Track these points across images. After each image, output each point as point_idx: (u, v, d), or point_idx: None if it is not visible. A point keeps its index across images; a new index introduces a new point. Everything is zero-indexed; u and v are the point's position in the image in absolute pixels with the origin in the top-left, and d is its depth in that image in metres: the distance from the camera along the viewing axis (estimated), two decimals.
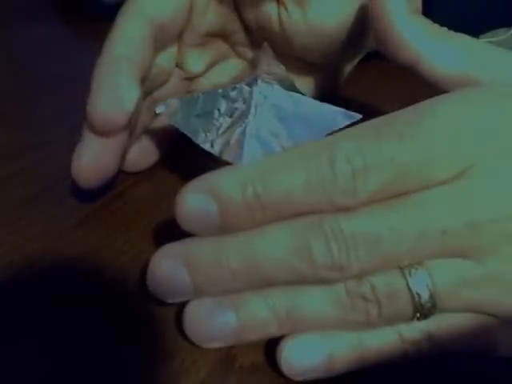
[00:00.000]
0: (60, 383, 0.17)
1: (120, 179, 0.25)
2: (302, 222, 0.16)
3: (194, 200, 0.16)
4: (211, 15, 0.26)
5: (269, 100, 0.22)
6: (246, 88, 0.22)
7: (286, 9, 0.25)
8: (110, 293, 0.20)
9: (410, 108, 0.17)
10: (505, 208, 0.16)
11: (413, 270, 0.16)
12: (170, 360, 0.17)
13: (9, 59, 0.41)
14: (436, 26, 0.21)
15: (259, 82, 0.22)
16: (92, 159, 0.21)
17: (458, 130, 0.16)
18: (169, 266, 0.17)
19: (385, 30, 0.21)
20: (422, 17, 0.21)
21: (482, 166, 0.16)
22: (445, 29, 0.21)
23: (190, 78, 0.27)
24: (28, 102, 0.33)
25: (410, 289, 0.16)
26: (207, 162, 0.21)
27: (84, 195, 0.24)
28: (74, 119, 0.23)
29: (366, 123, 0.17)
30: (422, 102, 0.17)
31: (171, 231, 0.17)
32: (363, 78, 0.32)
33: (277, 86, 0.22)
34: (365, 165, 0.15)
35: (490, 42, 0.34)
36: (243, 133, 0.21)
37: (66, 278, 0.20)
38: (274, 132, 0.21)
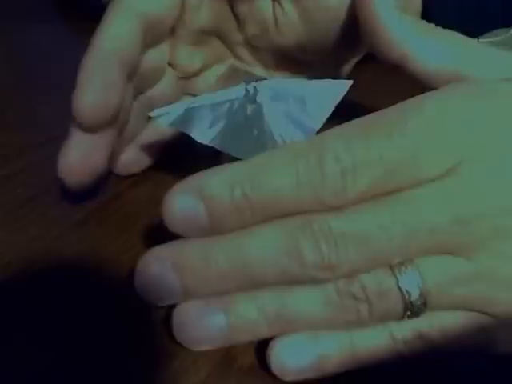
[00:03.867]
0: (59, 383, 0.17)
1: (119, 180, 0.25)
2: (291, 222, 0.16)
3: (182, 201, 0.16)
4: (205, 11, 0.25)
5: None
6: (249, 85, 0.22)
7: (280, 6, 0.25)
8: (109, 293, 0.20)
9: (398, 105, 0.17)
10: (493, 204, 0.16)
11: (403, 268, 0.16)
12: (170, 360, 0.17)
13: (9, 59, 0.41)
14: (423, 22, 0.21)
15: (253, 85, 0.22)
16: (79, 157, 0.21)
17: (445, 127, 0.16)
18: (157, 269, 0.17)
19: (372, 28, 0.21)
20: (414, 15, 0.21)
21: (470, 162, 0.16)
22: (432, 25, 0.21)
23: (186, 78, 0.27)
24: (28, 102, 0.33)
25: (399, 288, 0.16)
26: (205, 163, 0.21)
27: (75, 197, 0.24)
28: None
29: (354, 121, 0.17)
30: (409, 100, 0.17)
31: (170, 232, 0.17)
32: (362, 78, 0.32)
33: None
34: (353, 164, 0.15)
35: (490, 42, 0.34)
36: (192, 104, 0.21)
37: (66, 278, 0.20)
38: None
